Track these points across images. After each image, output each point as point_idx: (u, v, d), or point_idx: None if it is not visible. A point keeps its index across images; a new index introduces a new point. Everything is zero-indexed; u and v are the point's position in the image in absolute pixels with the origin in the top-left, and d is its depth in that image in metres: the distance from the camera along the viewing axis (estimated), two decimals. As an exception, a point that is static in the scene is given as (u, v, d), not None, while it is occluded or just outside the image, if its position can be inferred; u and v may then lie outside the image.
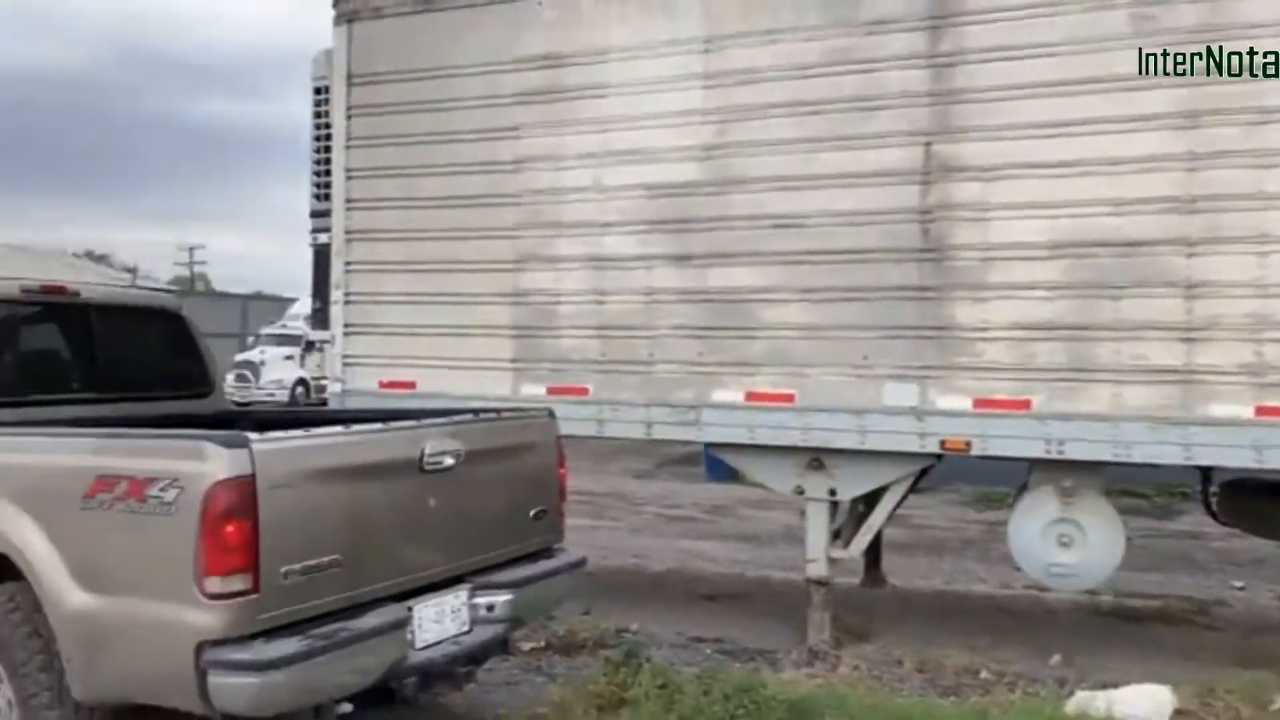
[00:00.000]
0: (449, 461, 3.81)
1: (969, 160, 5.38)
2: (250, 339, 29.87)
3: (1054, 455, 5.20)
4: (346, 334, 6.72)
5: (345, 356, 6.72)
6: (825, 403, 5.62)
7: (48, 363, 5.06)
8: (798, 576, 7.67)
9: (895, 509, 6.65)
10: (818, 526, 5.83)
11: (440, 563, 3.83)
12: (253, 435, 3.20)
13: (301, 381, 24.09)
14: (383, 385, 6.55)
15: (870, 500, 5.99)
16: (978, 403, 5.34)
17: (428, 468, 3.74)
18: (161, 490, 3.14)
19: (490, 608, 3.98)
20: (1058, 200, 5.19)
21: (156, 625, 3.14)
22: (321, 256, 7.07)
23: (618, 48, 6.10)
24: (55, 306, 4.98)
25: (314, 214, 7.20)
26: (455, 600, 3.87)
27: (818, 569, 5.84)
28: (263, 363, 25.31)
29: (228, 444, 3.13)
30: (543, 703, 4.88)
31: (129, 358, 5.25)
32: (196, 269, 61.11)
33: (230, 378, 25.14)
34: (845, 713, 4.37)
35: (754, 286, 5.79)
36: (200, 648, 3.05)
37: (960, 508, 11.14)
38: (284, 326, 26.27)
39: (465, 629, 3.89)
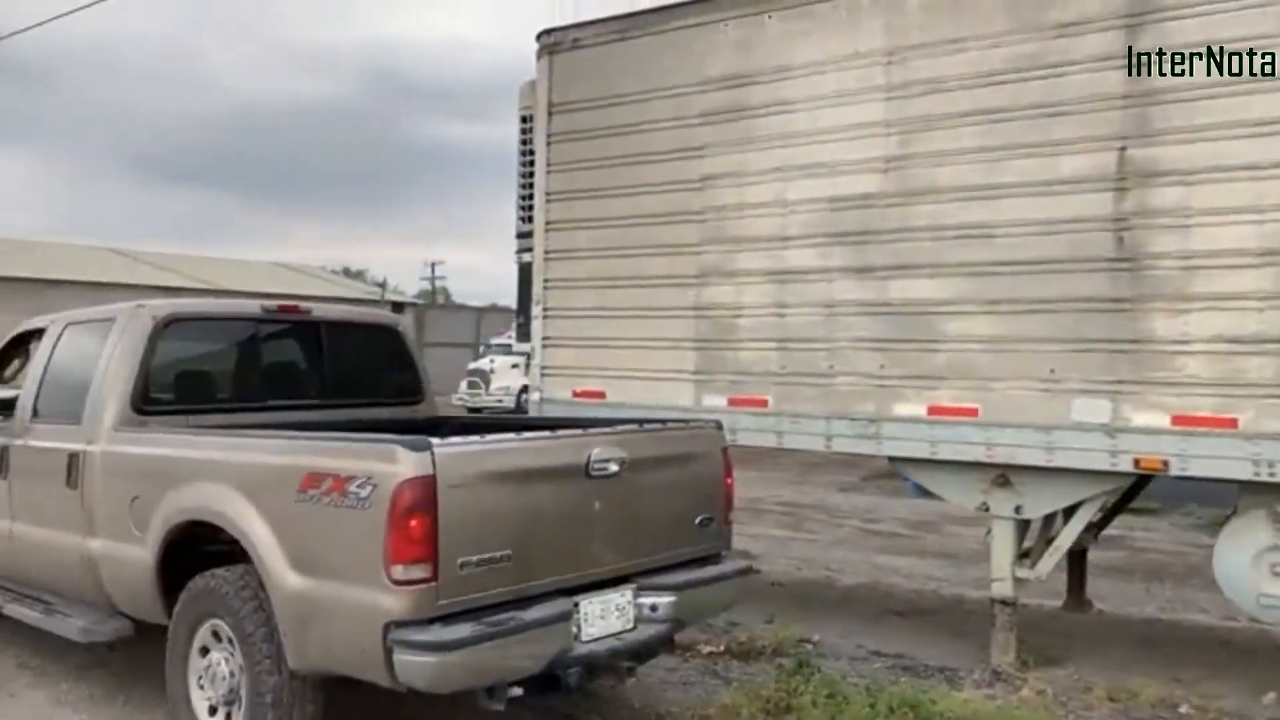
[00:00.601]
0: (613, 468, 4.06)
1: (1169, 164, 5.09)
2: (481, 348, 31.84)
3: (1264, 478, 4.82)
4: (544, 346, 7.17)
5: (543, 367, 7.17)
6: (1010, 418, 5.46)
7: (284, 372, 5.77)
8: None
9: (1097, 529, 6.38)
10: (1003, 544, 5.66)
11: (605, 562, 4.09)
12: (435, 440, 3.57)
13: (526, 389, 25.33)
14: (576, 395, 6.94)
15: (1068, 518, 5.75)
16: (1177, 420, 5.03)
17: (593, 473, 4.01)
18: (358, 487, 3.57)
19: (654, 608, 4.20)
20: (1270, 203, 4.82)
21: (353, 607, 3.57)
22: (525, 274, 7.58)
23: (800, 64, 6.19)
24: (291, 323, 5.68)
25: (519, 235, 7.73)
26: (620, 598, 4.11)
27: (1003, 588, 5.67)
28: (492, 371, 26.94)
29: (413, 447, 3.52)
30: (712, 704, 5.03)
31: (353, 368, 5.88)
32: (438, 283, 65.74)
33: (463, 385, 26.97)
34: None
35: (937, 298, 5.71)
36: (387, 628, 3.45)
37: (1191, 531, 10.32)
38: (510, 337, 27.80)
39: (629, 626, 4.13)
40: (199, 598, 4.21)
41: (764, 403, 6.29)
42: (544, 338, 7.18)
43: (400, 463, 3.49)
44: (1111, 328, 5.21)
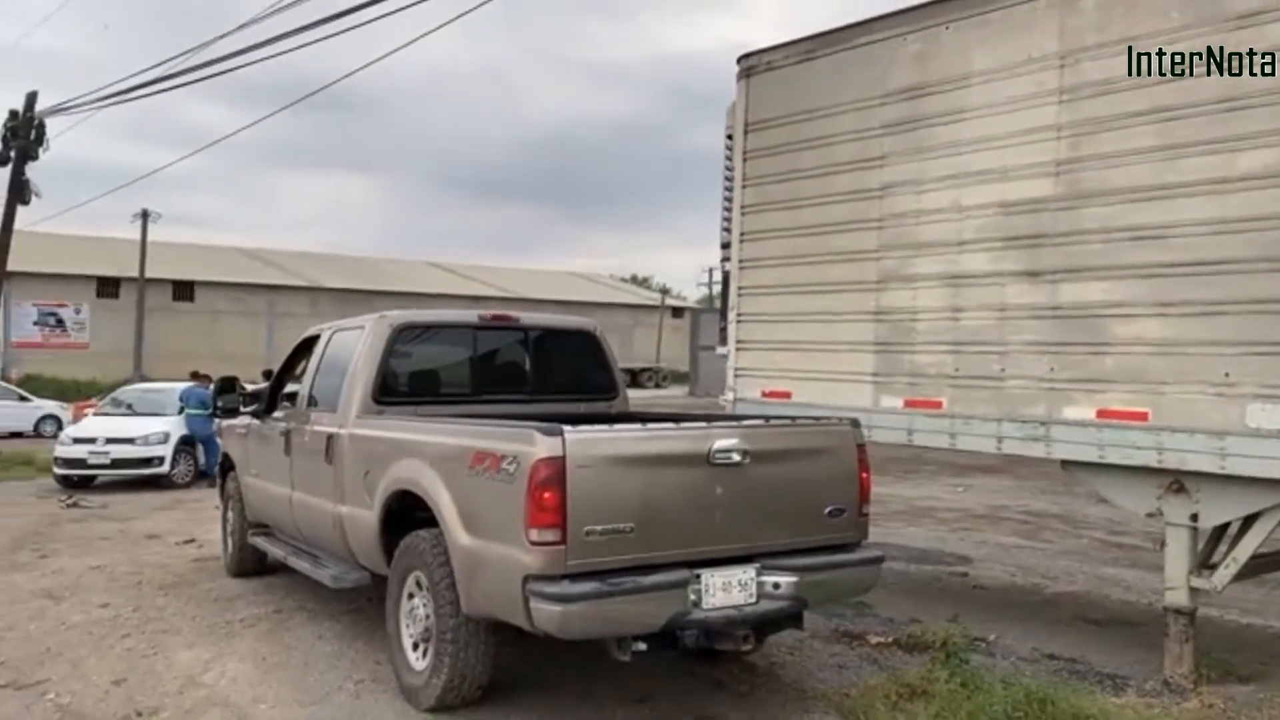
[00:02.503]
0: (736, 458, 4.54)
1: (1355, 155, 4.79)
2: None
3: None
4: (738, 349, 7.69)
5: (736, 369, 7.69)
6: (1182, 422, 5.32)
7: (497, 370, 6.71)
8: (1213, 613, 7.13)
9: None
10: (1178, 553, 5.51)
11: (727, 541, 4.56)
12: (567, 428, 4.25)
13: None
14: (764, 395, 7.40)
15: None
16: (1362, 428, 4.73)
17: (716, 461, 4.51)
18: (508, 464, 4.32)
19: (776, 585, 4.61)
20: None
21: (503, 562, 4.32)
22: (727, 282, 8.12)
23: (976, 72, 6.30)
24: (502, 330, 6.61)
25: (723, 245, 8.29)
26: (744, 575, 4.57)
27: (1177, 598, 5.51)
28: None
29: (547, 433, 4.21)
30: (857, 686, 5.36)
31: (555, 368, 6.73)
32: (715, 288, 67.44)
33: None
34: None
35: (1107, 301, 5.65)
36: (525, 580, 4.16)
37: None
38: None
39: (752, 600, 4.57)
40: (406, 553, 5.15)
41: (938, 405, 6.45)
42: (737, 341, 7.71)
43: (537, 445, 4.20)
44: (1291, 330, 4.97)
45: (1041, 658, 6.10)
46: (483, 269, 58.71)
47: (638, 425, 4.63)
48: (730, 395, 7.73)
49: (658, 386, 49.43)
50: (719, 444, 4.52)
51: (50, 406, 24.92)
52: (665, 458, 4.46)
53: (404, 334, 6.19)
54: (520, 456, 4.25)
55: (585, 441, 4.26)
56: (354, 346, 6.27)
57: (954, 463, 16.80)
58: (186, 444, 14.83)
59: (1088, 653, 6.19)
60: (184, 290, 44.39)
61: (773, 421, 5.03)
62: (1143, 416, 5.49)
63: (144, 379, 28.45)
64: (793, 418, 5.26)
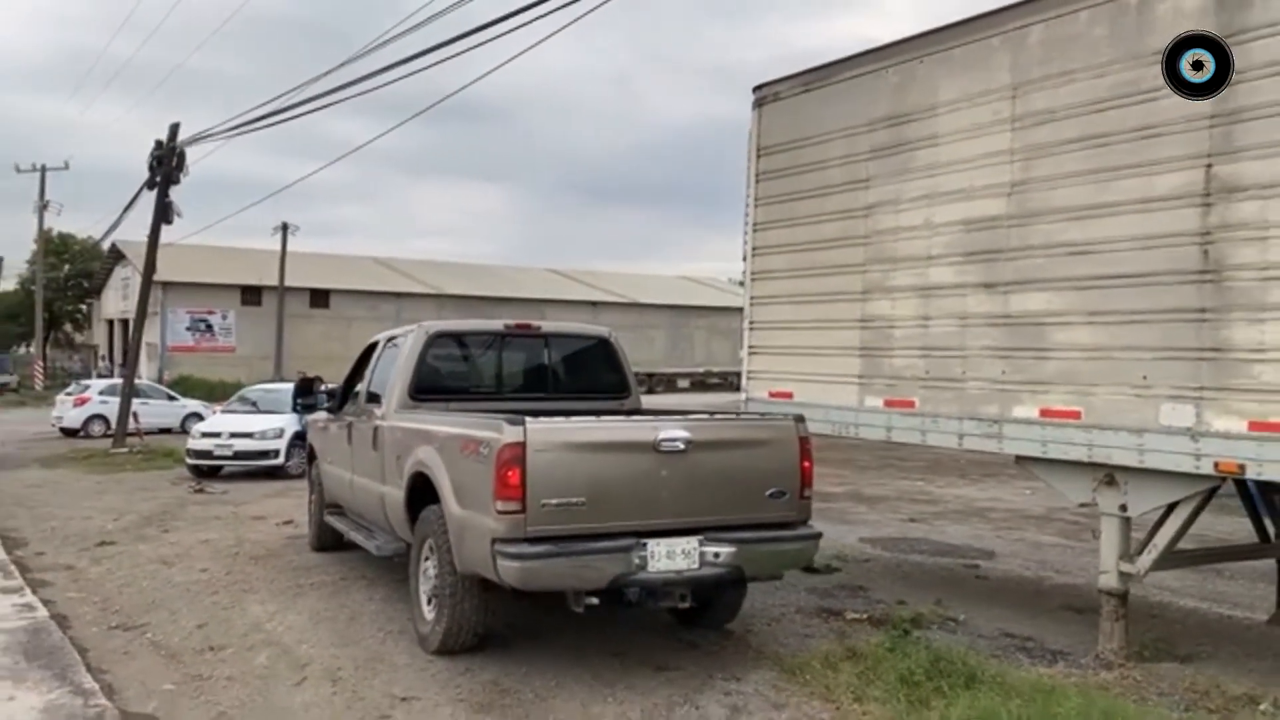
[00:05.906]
0: (680, 446, 5.37)
1: (1249, 179, 5.26)
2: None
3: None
4: (750, 353, 8.47)
5: (749, 372, 8.47)
6: (1108, 421, 5.86)
7: (520, 371, 7.70)
8: (1202, 605, 7.54)
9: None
10: (1110, 540, 6.03)
11: (672, 516, 5.39)
12: (529, 419, 5.18)
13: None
14: (771, 395, 8.16)
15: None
16: (1253, 425, 5.19)
17: (662, 449, 5.36)
18: (482, 448, 5.29)
19: (716, 555, 5.42)
20: (1342, 214, 4.89)
21: (479, 528, 5.28)
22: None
23: (943, 102, 6.94)
24: (525, 336, 7.60)
25: (744, 258, 9.07)
26: (686, 545, 5.39)
27: (1108, 581, 6.04)
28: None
29: (513, 423, 5.15)
30: (813, 651, 6.09)
31: (572, 370, 7.68)
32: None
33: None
34: (1003, 691, 4.94)
35: (1048, 310, 6.22)
36: (493, 542, 5.11)
37: None
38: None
39: (694, 566, 5.39)
40: (423, 523, 6.18)
41: (912, 404, 7.10)
42: (749, 346, 8.49)
43: (504, 432, 5.15)
44: (1196, 336, 5.47)
45: (999, 635, 6.68)
46: (599, 274, 60.29)
47: (592, 417, 5.52)
48: (743, 395, 8.52)
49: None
50: (664, 434, 5.37)
51: (194, 405, 27.41)
52: (616, 444, 5.34)
53: (439, 340, 7.25)
54: (492, 442, 5.21)
55: (544, 430, 5.18)
56: (400, 350, 7.36)
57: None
58: (300, 438, 16.41)
59: (1047, 634, 6.72)
60: (320, 297, 47.31)
61: (716, 415, 5.83)
62: (1076, 415, 6.05)
63: (282, 380, 30.79)
64: (737, 413, 6.04)
